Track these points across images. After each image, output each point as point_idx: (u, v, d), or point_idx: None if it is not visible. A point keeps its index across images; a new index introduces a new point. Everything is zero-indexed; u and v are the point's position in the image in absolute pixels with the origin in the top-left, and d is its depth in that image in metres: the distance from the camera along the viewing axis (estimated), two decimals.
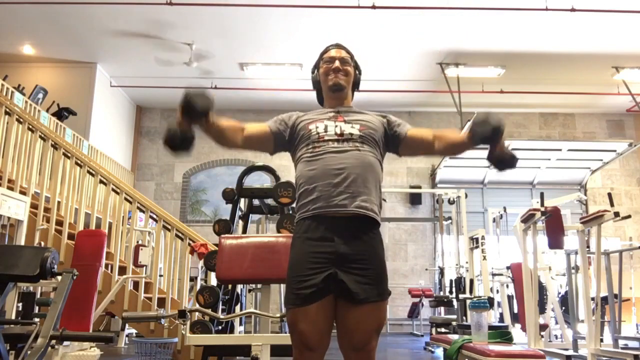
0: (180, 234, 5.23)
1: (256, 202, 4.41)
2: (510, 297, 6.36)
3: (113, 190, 5.43)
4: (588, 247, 4.90)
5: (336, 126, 1.82)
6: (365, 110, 1.93)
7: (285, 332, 1.80)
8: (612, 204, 4.28)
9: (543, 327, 5.06)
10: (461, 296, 5.73)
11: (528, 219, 4.73)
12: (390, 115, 1.95)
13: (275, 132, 1.89)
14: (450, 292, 6.70)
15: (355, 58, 1.99)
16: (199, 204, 10.13)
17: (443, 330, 5.88)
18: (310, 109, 1.96)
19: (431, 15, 6.94)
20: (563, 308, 5.82)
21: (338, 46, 1.97)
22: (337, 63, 1.89)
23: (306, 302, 1.64)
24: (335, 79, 1.89)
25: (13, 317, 3.42)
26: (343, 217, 1.70)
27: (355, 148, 1.78)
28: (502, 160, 1.71)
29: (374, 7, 6.62)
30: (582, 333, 4.68)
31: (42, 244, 4.86)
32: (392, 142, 1.91)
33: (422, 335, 8.17)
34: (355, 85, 1.99)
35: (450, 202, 7.59)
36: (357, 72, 1.98)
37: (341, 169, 1.73)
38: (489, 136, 1.67)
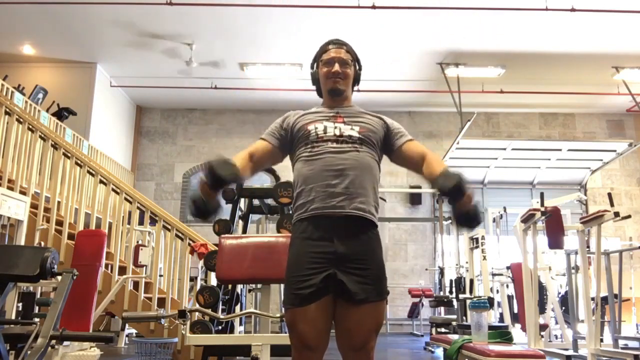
0: (180, 234, 5.22)
1: (256, 202, 4.41)
2: (510, 297, 6.36)
3: (113, 190, 5.42)
4: (588, 247, 4.90)
5: (335, 127, 1.81)
6: (365, 111, 1.92)
7: (285, 332, 1.79)
8: (612, 204, 4.28)
9: (543, 327, 5.06)
10: (461, 296, 5.72)
11: (528, 219, 4.73)
12: (391, 122, 1.93)
13: (277, 145, 1.89)
14: (450, 292, 6.69)
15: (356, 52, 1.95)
16: None
17: (443, 330, 5.87)
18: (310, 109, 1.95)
19: (431, 15, 6.94)
20: (563, 308, 5.82)
21: (338, 43, 1.92)
22: (336, 66, 1.86)
23: (305, 302, 1.64)
24: (334, 85, 1.87)
25: (13, 317, 3.42)
26: (341, 217, 1.70)
27: (354, 149, 1.77)
28: (466, 216, 1.68)
29: (374, 7, 6.62)
30: (582, 333, 4.68)
31: (42, 244, 4.85)
32: (388, 148, 1.90)
33: (422, 335, 8.17)
34: (355, 82, 1.95)
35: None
36: (357, 69, 1.94)
37: (339, 170, 1.73)
38: (447, 191, 1.66)
